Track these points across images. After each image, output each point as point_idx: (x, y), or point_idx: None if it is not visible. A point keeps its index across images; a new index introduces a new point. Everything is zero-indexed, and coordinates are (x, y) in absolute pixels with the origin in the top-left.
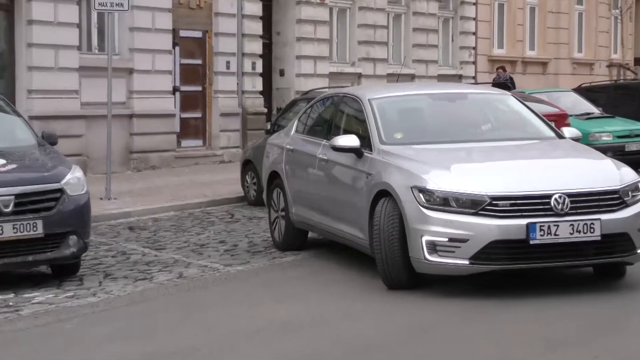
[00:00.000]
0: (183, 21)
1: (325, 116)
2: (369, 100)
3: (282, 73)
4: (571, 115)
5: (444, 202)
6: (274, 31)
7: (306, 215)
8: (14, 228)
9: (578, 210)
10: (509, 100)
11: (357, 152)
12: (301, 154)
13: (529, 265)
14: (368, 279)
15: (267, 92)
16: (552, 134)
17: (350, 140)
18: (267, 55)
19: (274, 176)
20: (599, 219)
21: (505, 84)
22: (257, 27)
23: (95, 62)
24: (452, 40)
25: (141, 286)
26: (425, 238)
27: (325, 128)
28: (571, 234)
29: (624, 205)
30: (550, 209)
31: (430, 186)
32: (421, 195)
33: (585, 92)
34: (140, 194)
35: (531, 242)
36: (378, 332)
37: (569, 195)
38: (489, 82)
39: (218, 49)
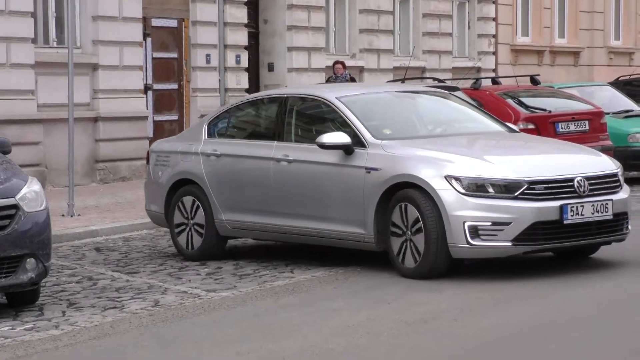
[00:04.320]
0: (155, 8)
1: (269, 119)
2: (337, 98)
3: (271, 67)
4: (607, 113)
5: (480, 188)
6: (261, 19)
7: (249, 220)
8: None
9: (595, 192)
10: (451, 97)
11: (347, 148)
12: (239, 158)
13: (562, 244)
14: (372, 306)
15: (254, 89)
16: (503, 128)
17: (339, 137)
18: (254, 47)
19: (179, 184)
20: (611, 200)
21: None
22: (241, 15)
23: (54, 57)
24: (469, 27)
25: (111, 316)
26: (468, 223)
27: (274, 130)
28: (592, 213)
29: (621, 187)
30: (574, 191)
31: (468, 173)
32: (458, 183)
33: (624, 86)
34: (108, 209)
35: (564, 222)
36: None
37: (587, 178)
38: (512, 75)
39: (196, 40)
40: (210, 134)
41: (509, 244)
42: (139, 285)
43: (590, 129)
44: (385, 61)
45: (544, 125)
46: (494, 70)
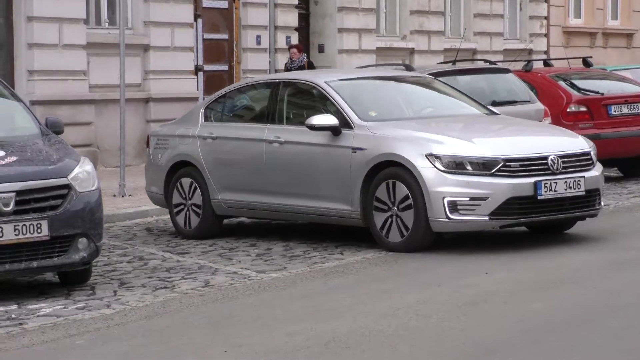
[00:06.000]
0: None
1: (262, 103)
2: (326, 83)
3: (321, 49)
4: None
5: (458, 166)
6: (312, 0)
7: (243, 199)
8: (15, 230)
9: (568, 169)
10: (435, 81)
11: (335, 130)
12: (234, 141)
13: (536, 218)
14: (421, 288)
15: None
16: (484, 111)
17: (328, 119)
18: (304, 28)
19: (178, 166)
20: (584, 177)
21: (302, 68)
22: None
23: (106, 38)
24: (520, 9)
25: (162, 296)
26: (447, 199)
27: (267, 114)
28: (565, 189)
29: (593, 165)
30: (548, 169)
31: (447, 152)
32: (438, 161)
33: None
34: None
35: (539, 197)
36: (434, 357)
37: (560, 156)
38: (564, 57)
39: (247, 22)
40: (206, 118)
41: (486, 218)
42: (190, 265)
43: None
44: (436, 43)
45: (596, 108)
46: (546, 53)
